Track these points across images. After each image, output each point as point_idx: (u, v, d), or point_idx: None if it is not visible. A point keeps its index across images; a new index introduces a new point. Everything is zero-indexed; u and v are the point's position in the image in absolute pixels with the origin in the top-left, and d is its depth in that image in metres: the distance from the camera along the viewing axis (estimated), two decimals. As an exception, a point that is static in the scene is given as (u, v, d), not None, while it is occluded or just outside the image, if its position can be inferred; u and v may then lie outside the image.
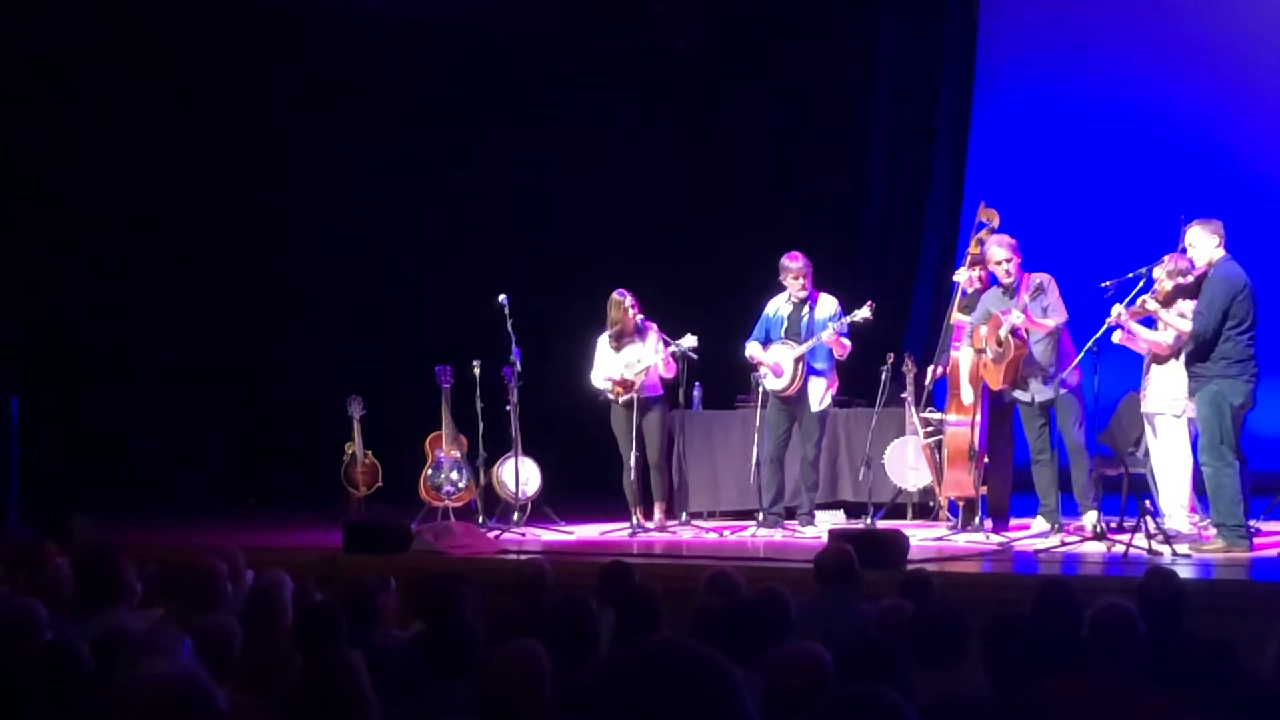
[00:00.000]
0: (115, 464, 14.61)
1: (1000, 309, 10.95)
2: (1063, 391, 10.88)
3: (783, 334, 12.00)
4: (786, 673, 4.87)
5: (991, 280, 11.42)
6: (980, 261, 11.58)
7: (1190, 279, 10.27)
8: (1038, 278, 10.88)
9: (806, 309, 11.98)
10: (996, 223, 11.45)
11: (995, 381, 11.05)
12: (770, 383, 11.95)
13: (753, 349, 12.07)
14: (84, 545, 8.95)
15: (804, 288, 11.95)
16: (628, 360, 12.23)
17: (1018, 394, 11.08)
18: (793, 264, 11.95)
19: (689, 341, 12.07)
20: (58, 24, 14.28)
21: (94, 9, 14.55)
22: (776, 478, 12.07)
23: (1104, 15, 15.47)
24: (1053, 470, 11.03)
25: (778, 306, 12.14)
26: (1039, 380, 10.85)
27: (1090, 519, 10.64)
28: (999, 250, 11.07)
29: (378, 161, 15.80)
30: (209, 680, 3.93)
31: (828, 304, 12.01)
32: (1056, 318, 10.84)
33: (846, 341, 11.85)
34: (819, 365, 11.94)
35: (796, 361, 11.85)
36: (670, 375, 12.29)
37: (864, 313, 11.75)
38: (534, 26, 16.19)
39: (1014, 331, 10.80)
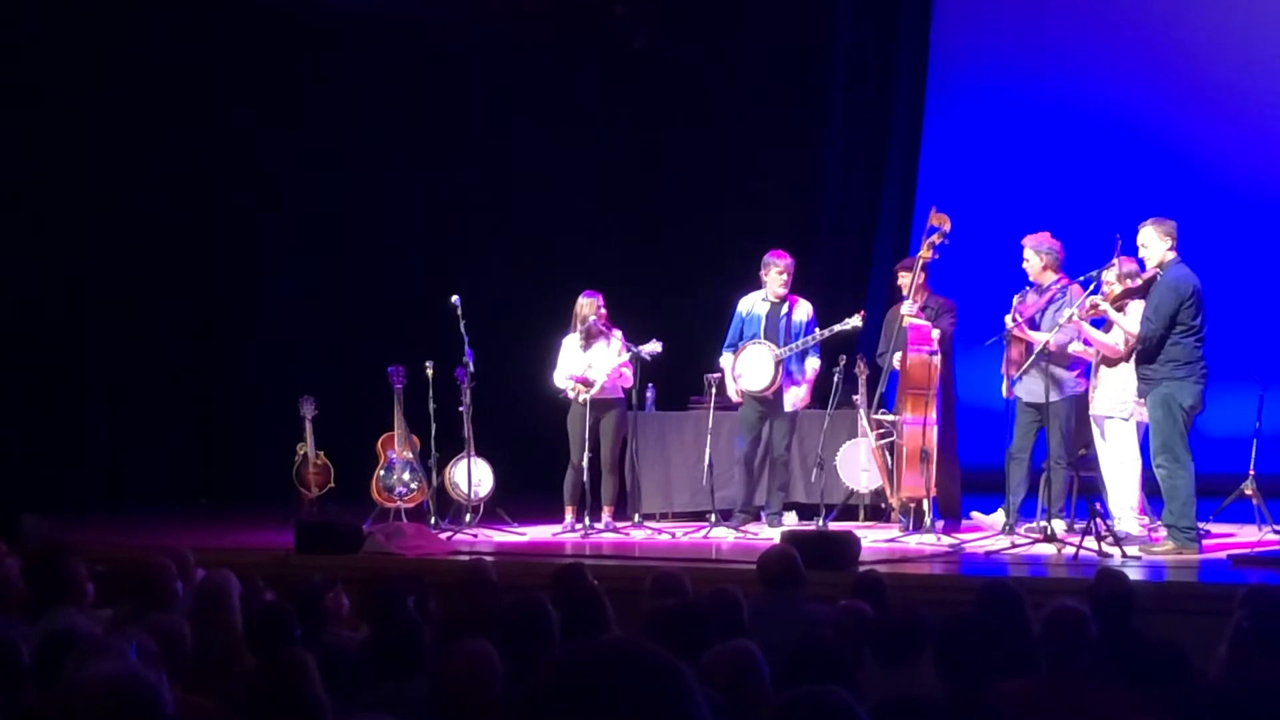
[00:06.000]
0: (67, 463, 14.51)
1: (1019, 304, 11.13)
2: (1065, 397, 10.92)
3: (760, 333, 11.98)
4: (715, 672, 4.88)
5: (931, 285, 11.71)
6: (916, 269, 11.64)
7: (1139, 281, 10.31)
8: (1065, 285, 11.00)
9: (785, 309, 11.95)
10: (948, 228, 11.47)
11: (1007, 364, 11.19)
12: (748, 383, 11.92)
13: (727, 362, 12.04)
14: (35, 544, 8.89)
15: (785, 285, 11.92)
16: (591, 361, 12.21)
17: (1018, 388, 11.10)
18: (780, 260, 11.92)
19: (652, 347, 12.04)
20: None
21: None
22: (749, 478, 12.06)
23: (1058, 14, 15.53)
24: (1026, 469, 11.11)
25: (752, 304, 12.09)
26: (1041, 381, 10.81)
27: (1060, 526, 10.65)
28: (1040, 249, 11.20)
29: (331, 161, 15.74)
30: (155, 680, 3.91)
31: (804, 309, 12.00)
32: (1053, 336, 10.76)
33: (817, 361, 11.96)
34: (795, 373, 11.95)
35: (776, 363, 11.84)
36: (629, 384, 12.28)
37: (855, 321, 11.79)
38: (488, 25, 16.14)
39: (1017, 325, 10.90)
